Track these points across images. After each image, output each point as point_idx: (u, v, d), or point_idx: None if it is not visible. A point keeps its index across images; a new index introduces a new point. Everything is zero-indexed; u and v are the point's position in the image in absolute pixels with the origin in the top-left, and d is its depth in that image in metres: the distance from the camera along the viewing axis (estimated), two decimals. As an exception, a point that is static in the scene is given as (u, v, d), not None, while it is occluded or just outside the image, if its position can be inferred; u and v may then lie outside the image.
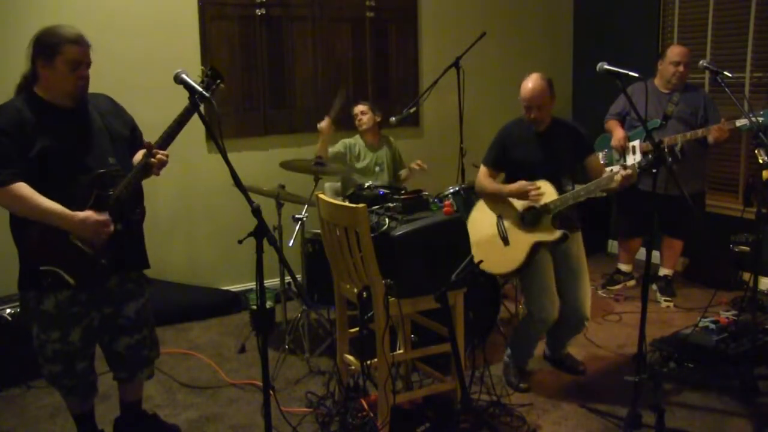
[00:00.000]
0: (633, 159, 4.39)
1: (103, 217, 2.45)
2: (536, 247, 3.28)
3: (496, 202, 3.43)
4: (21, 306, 2.63)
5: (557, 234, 3.25)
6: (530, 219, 3.30)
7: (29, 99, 2.47)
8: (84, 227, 2.43)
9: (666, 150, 2.78)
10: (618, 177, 3.06)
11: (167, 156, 2.53)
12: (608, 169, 4.43)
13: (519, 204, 3.34)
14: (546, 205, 3.25)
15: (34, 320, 2.57)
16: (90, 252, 2.48)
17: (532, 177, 3.29)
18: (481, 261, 2.70)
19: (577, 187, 3.23)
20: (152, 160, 2.48)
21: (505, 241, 3.35)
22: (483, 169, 3.49)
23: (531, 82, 3.27)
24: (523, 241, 3.29)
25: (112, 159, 2.54)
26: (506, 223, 3.37)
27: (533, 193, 3.22)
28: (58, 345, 2.56)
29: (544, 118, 3.33)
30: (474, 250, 3.34)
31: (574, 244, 3.38)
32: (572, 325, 3.48)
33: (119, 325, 2.69)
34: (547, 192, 3.25)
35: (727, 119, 4.17)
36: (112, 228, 2.48)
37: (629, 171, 3.02)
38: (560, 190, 3.25)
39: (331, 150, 4.39)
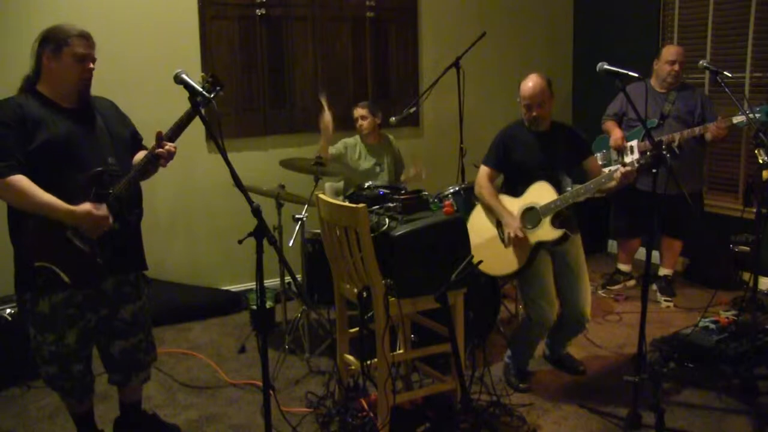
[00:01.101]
0: (631, 159, 4.39)
1: (103, 212, 2.45)
2: (537, 248, 3.28)
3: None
4: (18, 307, 2.64)
5: (558, 233, 3.25)
6: (530, 219, 3.30)
7: (32, 96, 2.48)
8: (83, 220, 2.41)
9: (664, 148, 2.79)
10: (617, 174, 3.09)
11: (175, 148, 2.53)
12: (606, 169, 4.47)
13: (517, 206, 3.34)
14: (545, 205, 3.25)
15: (31, 322, 2.57)
16: (86, 250, 2.48)
17: (532, 178, 3.30)
18: (480, 262, 2.70)
19: (576, 187, 3.24)
20: (161, 150, 2.48)
21: (506, 243, 3.35)
22: (485, 169, 3.46)
23: (531, 81, 3.29)
24: (523, 243, 3.29)
25: (111, 159, 2.55)
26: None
27: (511, 236, 3.25)
28: (53, 347, 2.56)
29: (545, 116, 3.33)
30: (474, 252, 3.34)
31: (573, 247, 3.38)
32: (572, 327, 3.49)
33: (115, 328, 2.69)
34: (545, 193, 3.26)
35: (725, 118, 4.18)
36: (110, 221, 2.47)
37: (628, 168, 3.05)
38: (559, 190, 3.26)
39: (331, 150, 4.39)
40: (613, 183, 3.14)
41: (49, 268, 2.43)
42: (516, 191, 3.37)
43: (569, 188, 3.27)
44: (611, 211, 5.01)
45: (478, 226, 3.44)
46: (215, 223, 4.80)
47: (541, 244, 3.28)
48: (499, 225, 3.39)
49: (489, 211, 3.42)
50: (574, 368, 3.62)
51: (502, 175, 3.50)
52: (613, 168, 3.16)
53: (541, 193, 3.28)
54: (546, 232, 3.26)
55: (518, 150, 3.38)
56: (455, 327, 2.82)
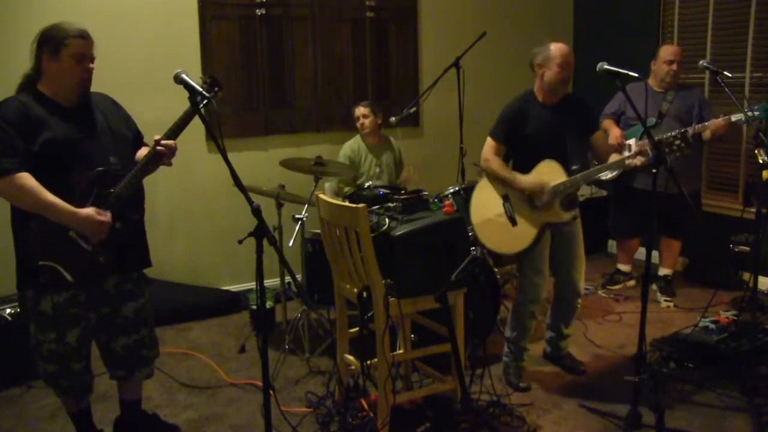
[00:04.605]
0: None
1: (106, 217, 2.46)
2: (545, 228, 3.26)
3: (503, 182, 3.34)
4: (19, 305, 2.64)
5: (567, 216, 3.24)
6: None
7: (33, 95, 2.48)
8: (85, 224, 2.43)
9: (681, 136, 2.81)
10: (630, 162, 3.07)
11: (175, 144, 2.53)
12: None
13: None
14: (555, 186, 3.20)
15: (32, 320, 2.57)
16: (89, 249, 2.48)
17: (539, 152, 3.23)
18: (482, 260, 2.70)
19: (588, 170, 3.19)
20: (160, 148, 2.48)
21: (513, 221, 3.29)
22: (492, 143, 3.33)
23: (559, 44, 3.21)
24: (531, 222, 3.25)
25: (113, 158, 2.55)
26: (513, 204, 3.30)
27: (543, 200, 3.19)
28: (53, 345, 2.56)
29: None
30: (479, 231, 3.32)
31: (573, 225, 3.37)
32: (568, 301, 3.50)
33: (117, 324, 2.69)
34: (555, 173, 3.22)
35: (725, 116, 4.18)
36: (111, 225, 2.48)
37: (644, 160, 3.03)
38: (568, 170, 3.21)
39: (342, 160, 4.42)
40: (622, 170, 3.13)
41: (52, 267, 2.43)
42: (522, 167, 3.30)
43: (576, 167, 3.21)
44: (610, 210, 5.02)
45: (483, 203, 3.37)
46: (215, 223, 4.80)
47: (548, 224, 3.26)
48: (506, 200, 3.31)
49: (499, 182, 3.31)
50: (574, 368, 3.62)
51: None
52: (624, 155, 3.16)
53: (551, 173, 3.22)
54: (556, 214, 3.24)
55: (528, 124, 3.28)
56: (455, 327, 2.83)
